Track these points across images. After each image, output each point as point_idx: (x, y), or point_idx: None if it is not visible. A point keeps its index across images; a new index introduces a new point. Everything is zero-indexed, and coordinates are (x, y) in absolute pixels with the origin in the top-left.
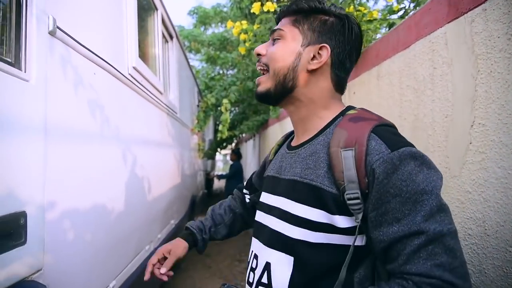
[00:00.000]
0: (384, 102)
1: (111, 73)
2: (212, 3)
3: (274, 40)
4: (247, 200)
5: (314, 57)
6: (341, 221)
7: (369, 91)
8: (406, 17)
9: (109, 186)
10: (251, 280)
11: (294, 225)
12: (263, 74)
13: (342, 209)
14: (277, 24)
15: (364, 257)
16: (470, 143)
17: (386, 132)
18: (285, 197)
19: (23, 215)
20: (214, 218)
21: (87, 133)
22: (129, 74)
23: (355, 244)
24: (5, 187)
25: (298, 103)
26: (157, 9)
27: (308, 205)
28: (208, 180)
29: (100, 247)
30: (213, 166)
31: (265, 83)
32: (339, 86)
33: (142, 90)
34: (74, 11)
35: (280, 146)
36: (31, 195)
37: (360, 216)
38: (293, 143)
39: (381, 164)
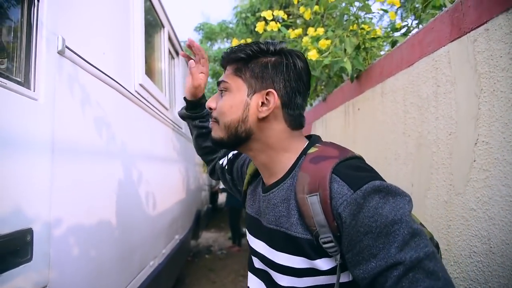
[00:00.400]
0: (389, 119)
1: (117, 90)
2: (218, 20)
3: (221, 91)
4: (221, 162)
5: (262, 104)
6: (322, 264)
7: (374, 108)
8: (409, 34)
9: (114, 201)
10: None
11: (280, 273)
12: (212, 123)
13: (321, 253)
14: (224, 69)
15: None
16: (474, 161)
17: (346, 169)
18: (267, 245)
19: (29, 232)
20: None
21: (93, 150)
22: (136, 91)
23: (343, 281)
24: (13, 204)
25: (256, 150)
26: (163, 27)
27: (289, 254)
28: (213, 194)
29: (104, 263)
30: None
31: (216, 132)
32: (296, 124)
33: (148, 107)
34: (82, 30)
35: (251, 176)
36: (38, 212)
37: (338, 257)
38: (265, 182)
39: (345, 207)
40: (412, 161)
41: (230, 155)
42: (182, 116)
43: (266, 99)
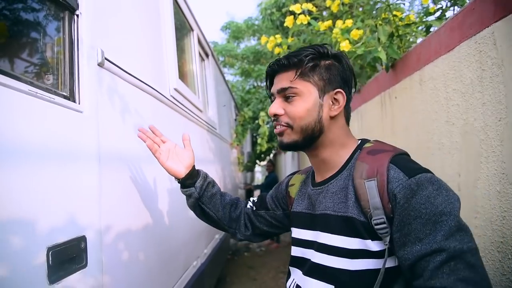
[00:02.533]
0: (429, 108)
1: (154, 96)
2: (243, 17)
3: (286, 97)
4: (248, 207)
5: (332, 104)
6: (373, 245)
7: (412, 96)
8: (445, 17)
9: (157, 206)
10: None
11: (333, 255)
12: (283, 130)
13: (372, 235)
14: (269, 78)
15: (397, 277)
16: None
17: (402, 161)
18: (320, 231)
19: (83, 239)
20: (222, 193)
21: (135, 157)
22: (171, 95)
23: (388, 266)
24: (67, 214)
25: (321, 146)
26: (193, 30)
27: (344, 235)
28: (249, 192)
29: (152, 265)
30: (252, 178)
31: (289, 136)
32: (349, 119)
33: (184, 110)
34: (119, 41)
35: (301, 184)
36: (89, 220)
37: (387, 239)
38: (317, 180)
39: (401, 190)
40: (458, 150)
41: (251, 199)
42: (194, 206)
43: (335, 99)
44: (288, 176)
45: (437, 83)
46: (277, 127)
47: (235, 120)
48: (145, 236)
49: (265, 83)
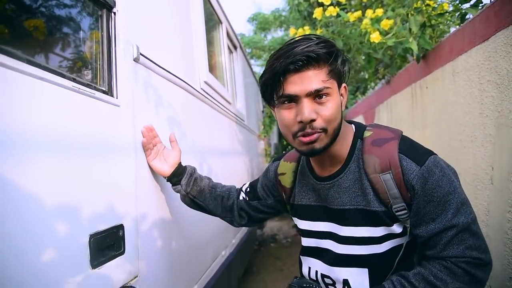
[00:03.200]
0: (462, 100)
1: (186, 89)
2: (269, 9)
3: (317, 97)
4: (241, 198)
5: (343, 98)
6: (397, 228)
7: (444, 88)
8: (481, 6)
9: None
10: None
11: (361, 245)
12: (317, 135)
13: (394, 219)
14: (289, 69)
15: (413, 248)
16: None
17: (408, 147)
18: (341, 225)
19: (121, 227)
20: (213, 185)
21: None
22: (201, 88)
23: (407, 240)
24: (107, 203)
25: (334, 142)
26: (221, 23)
27: (369, 226)
28: None
29: (183, 254)
30: None
31: (323, 141)
32: None
33: (213, 102)
34: (152, 37)
35: (295, 173)
36: (127, 209)
37: (408, 221)
38: (323, 174)
39: (417, 180)
40: (492, 143)
41: (244, 189)
42: (185, 200)
43: (341, 94)
44: (273, 163)
45: (470, 74)
46: (310, 136)
47: (263, 112)
48: (177, 226)
49: (266, 87)
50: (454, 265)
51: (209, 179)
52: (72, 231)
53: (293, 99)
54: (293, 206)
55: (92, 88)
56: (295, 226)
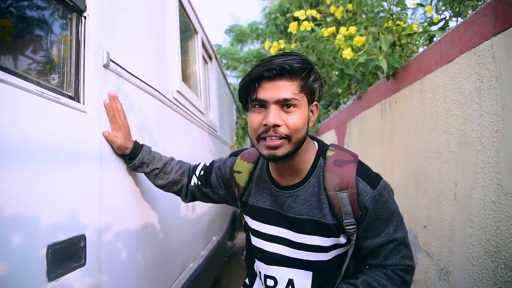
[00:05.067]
0: (428, 117)
1: (157, 98)
2: (247, 21)
3: (285, 106)
4: (192, 183)
5: (312, 114)
6: (342, 239)
7: (412, 105)
8: (448, 29)
9: (156, 207)
10: None
11: (310, 251)
12: (281, 141)
13: (342, 232)
14: (254, 82)
15: (352, 256)
16: None
17: (364, 171)
18: (294, 231)
19: (83, 238)
20: (166, 162)
21: None
22: (174, 98)
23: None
24: (68, 212)
25: (296, 154)
26: (197, 33)
27: (320, 236)
28: None
29: (149, 266)
30: None
31: (286, 148)
32: None
33: (186, 112)
34: (124, 43)
35: (251, 174)
36: (90, 219)
37: (355, 235)
38: (282, 182)
39: (370, 202)
40: (455, 160)
41: (197, 173)
42: (135, 170)
43: (312, 110)
44: (229, 158)
45: (436, 93)
46: (273, 139)
47: (236, 123)
48: (143, 236)
49: (243, 91)
50: (392, 272)
51: (164, 161)
52: (29, 241)
53: (263, 105)
54: (245, 205)
55: (57, 93)
56: (245, 224)
